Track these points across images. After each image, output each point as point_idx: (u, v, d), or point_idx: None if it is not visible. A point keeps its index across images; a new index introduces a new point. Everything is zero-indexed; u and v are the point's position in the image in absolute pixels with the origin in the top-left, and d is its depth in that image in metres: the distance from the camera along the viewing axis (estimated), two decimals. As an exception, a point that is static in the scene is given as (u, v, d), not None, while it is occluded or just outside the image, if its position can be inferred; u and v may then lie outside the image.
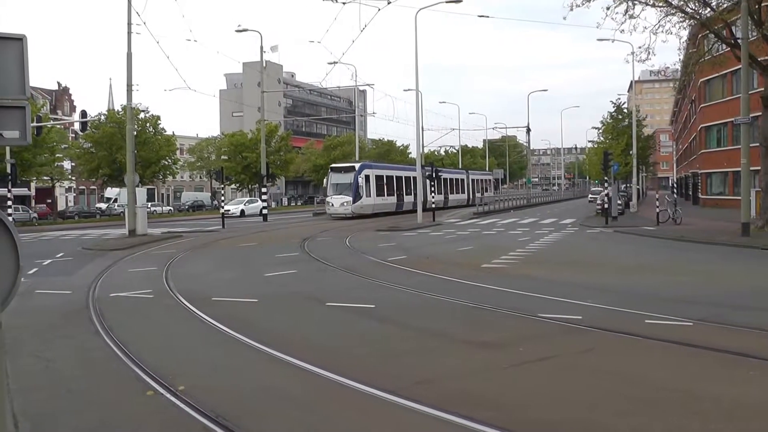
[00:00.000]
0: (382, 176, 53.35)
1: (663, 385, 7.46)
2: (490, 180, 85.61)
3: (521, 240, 27.12)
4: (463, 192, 71.94)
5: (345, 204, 48.08)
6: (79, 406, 7.39)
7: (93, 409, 7.22)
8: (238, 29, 48.62)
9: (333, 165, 54.63)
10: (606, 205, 37.15)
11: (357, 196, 48.32)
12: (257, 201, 62.41)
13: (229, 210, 59.77)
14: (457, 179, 71.79)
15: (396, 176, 56.03)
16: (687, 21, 28.87)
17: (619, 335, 9.84)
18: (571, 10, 27.90)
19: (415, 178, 55.00)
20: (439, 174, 54.22)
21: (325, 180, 52.80)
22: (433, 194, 48.31)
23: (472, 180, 75.74)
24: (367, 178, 49.69)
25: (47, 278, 18.09)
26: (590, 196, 79.27)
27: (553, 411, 6.72)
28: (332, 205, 49.19)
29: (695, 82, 57.35)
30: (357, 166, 50.54)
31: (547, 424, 6.33)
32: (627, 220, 38.61)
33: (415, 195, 51.43)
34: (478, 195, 72.52)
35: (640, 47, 29.74)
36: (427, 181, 55.24)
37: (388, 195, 53.53)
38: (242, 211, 61.88)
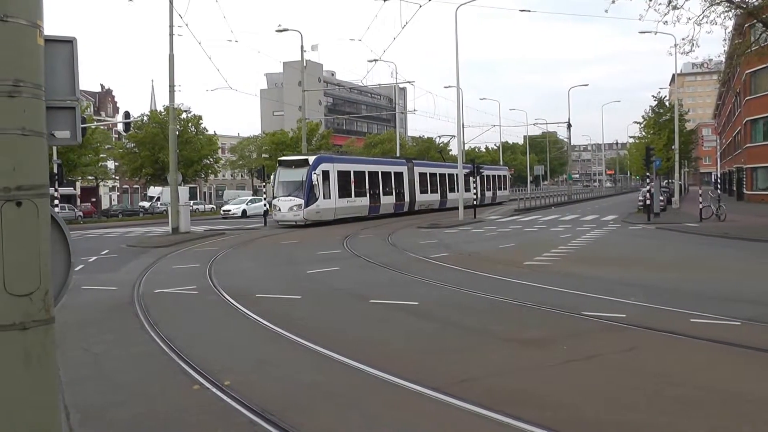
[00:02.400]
0: (348, 172, 42.26)
1: (710, 386, 7.34)
2: (504, 176, 73.96)
3: (563, 237, 26.91)
4: (467, 190, 58.80)
5: (295, 208, 37.83)
6: (126, 398, 7.51)
7: (140, 402, 7.34)
8: (279, 29, 48.62)
9: (282, 158, 43.28)
10: (648, 202, 36.68)
11: (311, 198, 37.92)
12: (261, 200, 61.29)
13: (229, 210, 58.10)
14: (457, 175, 61.10)
15: (369, 172, 44.87)
16: (733, 10, 28.11)
17: (663, 334, 9.69)
18: (613, 2, 27.34)
19: (397, 174, 48.10)
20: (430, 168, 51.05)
21: (272, 176, 42.27)
22: (477, 191, 45.80)
23: (480, 176, 62.58)
24: (325, 174, 39.04)
25: (94, 275, 18.38)
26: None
27: (598, 411, 6.66)
28: (279, 209, 38.70)
29: (740, 74, 56.29)
30: (311, 159, 39.53)
31: (593, 424, 6.27)
32: (669, 216, 38.07)
33: (404, 193, 48.39)
34: (488, 194, 64.47)
35: (683, 39, 28.95)
36: (416, 178, 49.95)
37: (356, 195, 42.74)
38: (244, 212, 56.85)
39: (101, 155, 61.64)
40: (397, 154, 66.46)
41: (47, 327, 4.10)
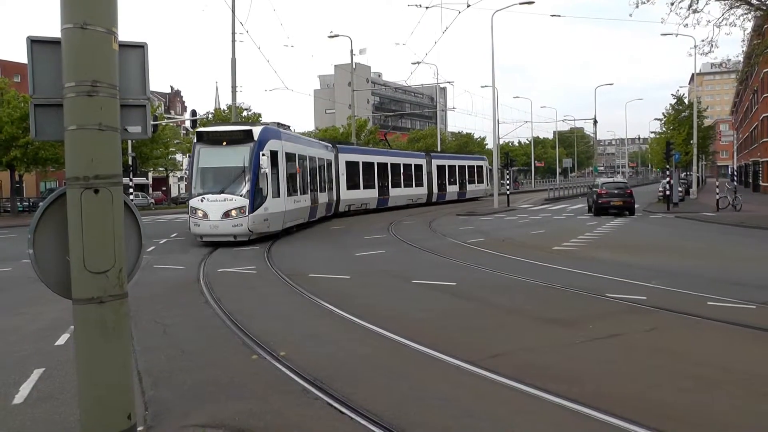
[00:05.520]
0: (294, 156, 25.13)
1: (728, 366, 7.15)
2: (481, 168, 54.72)
3: (589, 224, 26.53)
4: (419, 185, 44.56)
5: (234, 213, 20.93)
6: (192, 366, 7.58)
7: (205, 370, 7.40)
8: (331, 35, 48.90)
9: (204, 129, 23.29)
10: (668, 192, 36.05)
11: (257, 196, 21.39)
12: None
13: None
14: (403, 165, 42.63)
15: (309, 156, 27.76)
16: (752, 12, 27.25)
17: (682, 316, 9.49)
18: (637, 6, 26.73)
19: (327, 162, 31.73)
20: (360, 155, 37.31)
21: (189, 161, 24.06)
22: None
23: (437, 167, 46.97)
24: (273, 157, 22.45)
25: (163, 255, 18.64)
26: None
27: (621, 386, 6.53)
28: (204, 215, 21.05)
29: (758, 73, 54.82)
30: (257, 130, 22.11)
31: (616, 399, 6.13)
32: (687, 206, 37.31)
33: (332, 189, 32.38)
34: (451, 188, 48.78)
35: (702, 41, 28.48)
36: (342, 168, 34.50)
37: (302, 192, 26.20)
38: None
39: (171, 149, 62.72)
40: (438, 149, 65.47)
41: (121, 301, 4.17)
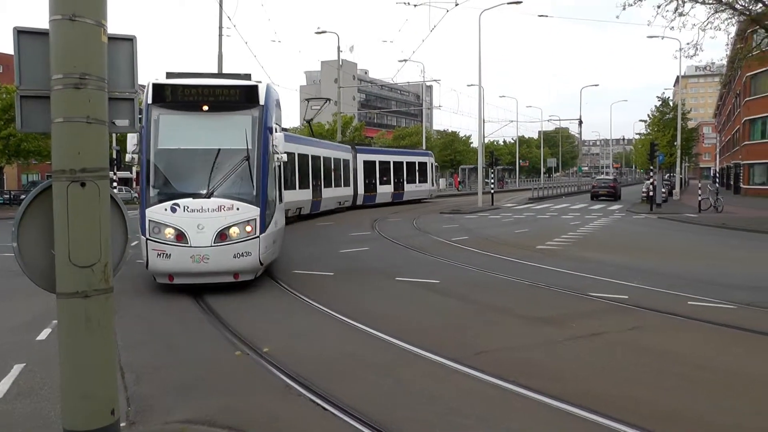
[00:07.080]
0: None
1: (707, 364, 7.25)
2: (424, 164, 45.61)
3: (572, 224, 26.65)
4: (347, 184, 36.23)
5: (237, 233, 11.33)
6: (176, 361, 7.56)
7: (188, 366, 7.38)
8: (318, 31, 48.70)
9: (164, 82, 12.09)
10: (651, 193, 36.29)
11: (268, 204, 11.95)
12: None
13: None
14: (333, 160, 33.93)
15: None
16: (737, 17, 27.49)
17: (663, 315, 9.59)
18: (624, 9, 26.92)
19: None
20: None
21: (136, 135, 11.76)
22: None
23: (364, 163, 38.59)
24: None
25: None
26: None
27: (603, 384, 6.60)
28: (182, 238, 11.09)
29: (741, 77, 55.33)
30: (262, 89, 12.41)
31: (599, 396, 6.19)
32: (670, 207, 37.55)
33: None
34: (384, 190, 40.39)
35: (688, 44, 28.69)
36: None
37: (281, 194, 14.17)
38: None
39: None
40: (424, 147, 65.30)
41: (107, 295, 4.14)
